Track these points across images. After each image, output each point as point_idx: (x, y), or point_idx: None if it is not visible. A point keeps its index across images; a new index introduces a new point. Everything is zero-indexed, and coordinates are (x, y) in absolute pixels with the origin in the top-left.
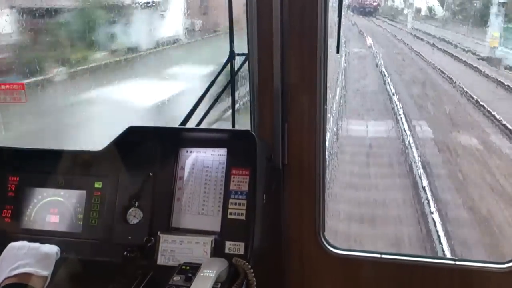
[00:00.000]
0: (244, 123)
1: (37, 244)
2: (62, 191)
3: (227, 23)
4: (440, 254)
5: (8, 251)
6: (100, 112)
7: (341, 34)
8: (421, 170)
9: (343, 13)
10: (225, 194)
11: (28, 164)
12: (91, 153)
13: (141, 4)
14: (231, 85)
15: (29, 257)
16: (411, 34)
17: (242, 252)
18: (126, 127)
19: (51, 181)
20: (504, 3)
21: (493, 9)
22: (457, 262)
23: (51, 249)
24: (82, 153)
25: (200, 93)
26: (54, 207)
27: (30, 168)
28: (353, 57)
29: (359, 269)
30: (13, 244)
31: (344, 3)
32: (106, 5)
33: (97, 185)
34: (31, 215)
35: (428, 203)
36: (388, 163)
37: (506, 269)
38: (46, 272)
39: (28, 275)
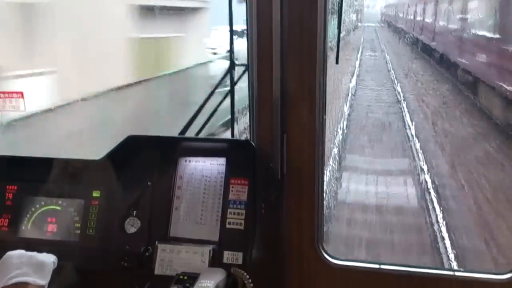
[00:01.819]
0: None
1: (34, 253)
2: (60, 200)
3: None
4: None
5: (5, 260)
6: None
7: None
8: None
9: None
10: (223, 204)
11: (26, 172)
12: (89, 161)
13: None
14: (231, 95)
15: (26, 266)
16: None
17: (240, 262)
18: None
19: (49, 190)
20: None
21: None
22: (456, 273)
23: (48, 258)
24: (80, 161)
25: None
26: (51, 216)
27: (28, 177)
28: None
29: (358, 279)
30: (11, 253)
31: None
32: None
33: (95, 194)
34: (29, 224)
35: None
36: None
37: (505, 280)
38: (43, 282)
39: (25, 284)
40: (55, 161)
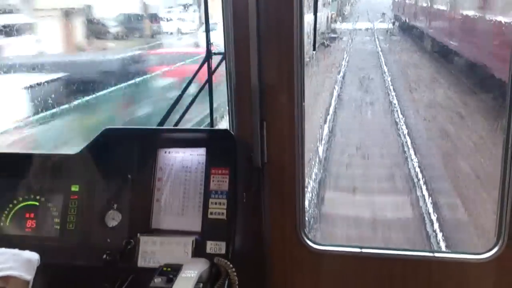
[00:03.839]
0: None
1: (18, 251)
2: (38, 195)
3: None
4: None
5: None
6: None
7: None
8: None
9: None
10: (205, 194)
11: (3, 168)
12: (67, 156)
13: None
14: (209, 85)
15: (12, 261)
16: None
17: (223, 251)
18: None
19: (27, 186)
20: None
21: None
22: (436, 254)
23: (33, 255)
24: (58, 156)
25: None
26: (30, 211)
27: (5, 173)
28: None
29: (340, 263)
30: None
31: None
32: None
33: (74, 188)
34: (7, 221)
35: None
36: None
37: (484, 260)
38: (29, 277)
39: (12, 278)
40: (32, 156)
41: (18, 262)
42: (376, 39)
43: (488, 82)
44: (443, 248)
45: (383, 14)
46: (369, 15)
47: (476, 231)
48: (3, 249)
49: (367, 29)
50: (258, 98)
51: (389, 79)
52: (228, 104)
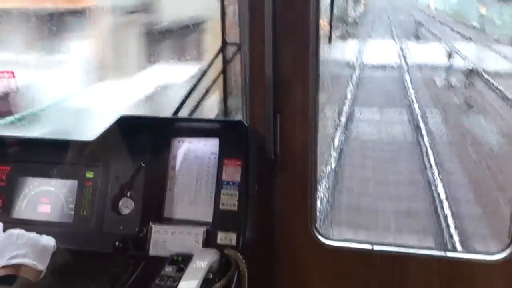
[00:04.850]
0: None
1: (36, 235)
2: (53, 181)
3: None
4: None
5: (6, 237)
6: None
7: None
8: None
9: None
10: (217, 185)
11: (19, 153)
12: (82, 142)
13: None
14: (223, 75)
15: (27, 247)
16: None
17: (234, 243)
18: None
19: (42, 171)
20: None
21: None
22: (447, 254)
23: (49, 241)
24: (73, 142)
25: None
26: (45, 197)
27: (21, 158)
28: None
29: (350, 259)
30: (12, 232)
31: None
32: None
33: (89, 175)
34: (22, 205)
35: None
36: None
37: (496, 261)
38: (42, 267)
39: (25, 266)
40: (48, 141)
41: (34, 249)
42: (424, 134)
43: None
44: None
45: (419, 24)
46: (391, 20)
47: None
48: (21, 231)
49: (388, 67)
50: (272, 89)
51: None
52: (242, 95)
